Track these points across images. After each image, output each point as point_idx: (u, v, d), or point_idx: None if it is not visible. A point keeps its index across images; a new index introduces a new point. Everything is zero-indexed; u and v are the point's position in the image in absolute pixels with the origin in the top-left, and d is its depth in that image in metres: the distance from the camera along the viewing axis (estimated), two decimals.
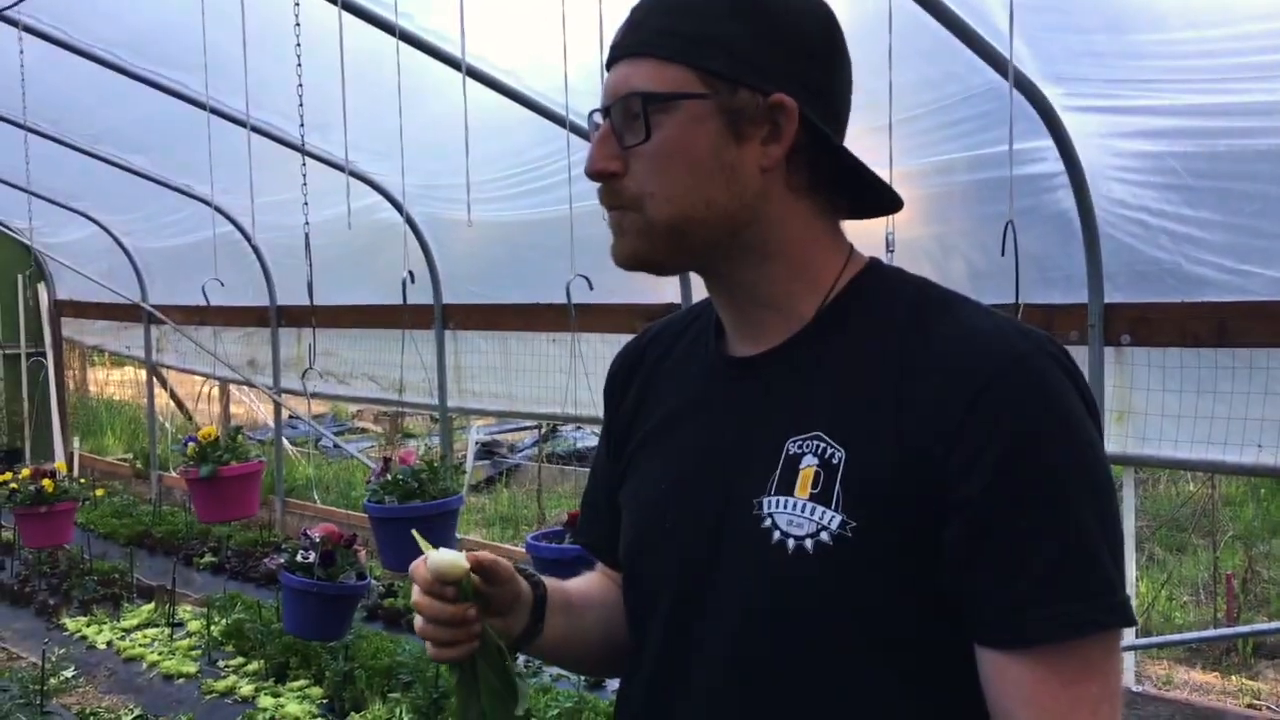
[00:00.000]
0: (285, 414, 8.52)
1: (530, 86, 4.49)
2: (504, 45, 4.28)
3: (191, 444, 4.28)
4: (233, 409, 10.62)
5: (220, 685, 5.05)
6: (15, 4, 4.75)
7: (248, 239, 7.07)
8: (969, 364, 1.05)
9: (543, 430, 10.65)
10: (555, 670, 4.58)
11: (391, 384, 6.71)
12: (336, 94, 3.81)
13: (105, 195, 7.58)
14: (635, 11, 1.16)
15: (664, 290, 4.96)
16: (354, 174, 4.90)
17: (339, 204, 4.59)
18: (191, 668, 5.30)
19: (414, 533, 1.21)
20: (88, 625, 6.01)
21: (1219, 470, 4.38)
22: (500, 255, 5.94)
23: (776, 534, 1.09)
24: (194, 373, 8.93)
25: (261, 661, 5.22)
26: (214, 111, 4.51)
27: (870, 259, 1.20)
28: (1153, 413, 3.69)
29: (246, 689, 4.98)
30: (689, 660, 1.16)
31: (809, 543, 1.07)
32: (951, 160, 3.94)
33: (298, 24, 3.43)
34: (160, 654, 5.50)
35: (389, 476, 3.48)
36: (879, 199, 1.19)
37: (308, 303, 4.10)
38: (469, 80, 3.81)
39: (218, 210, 6.51)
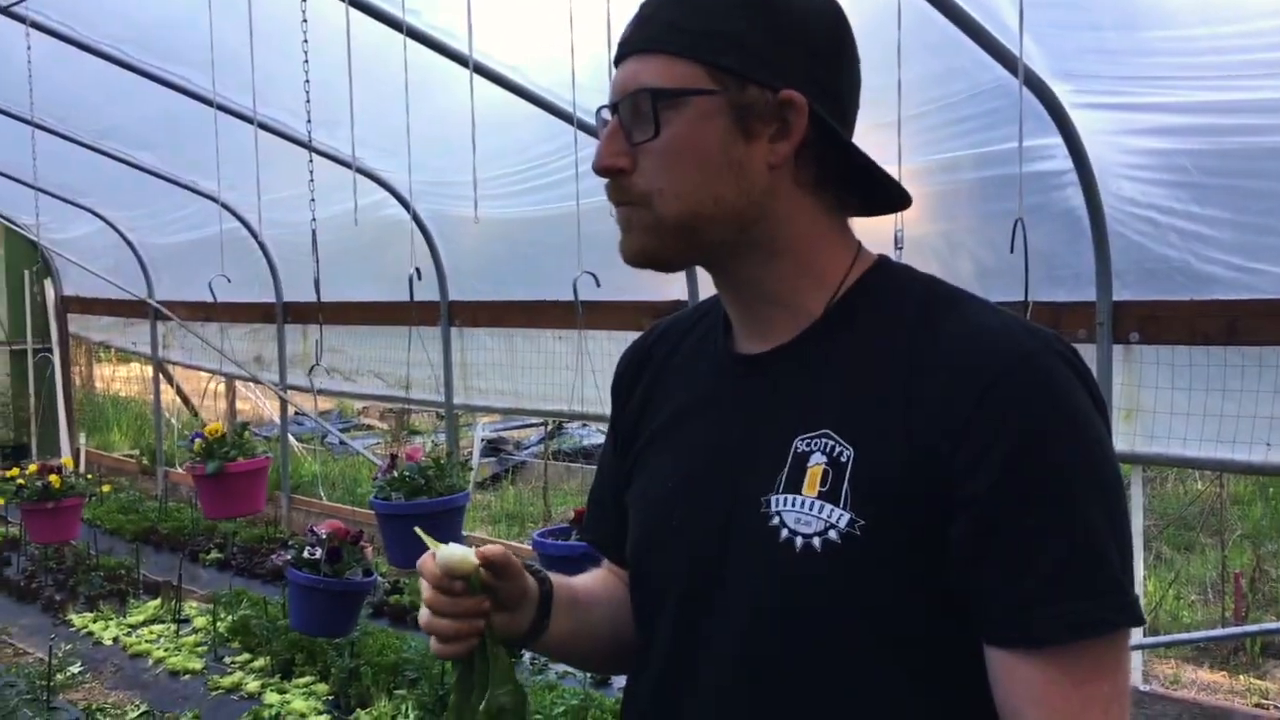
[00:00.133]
0: (291, 410, 8.53)
1: (536, 82, 4.49)
2: (510, 41, 4.28)
3: (198, 440, 4.29)
4: (239, 405, 10.64)
5: (226, 681, 5.06)
6: (20, 0, 4.75)
7: (254, 235, 7.08)
8: (976, 361, 1.05)
9: (548, 427, 10.66)
10: (561, 667, 4.58)
11: (397, 381, 6.71)
12: (343, 90, 3.81)
13: (112, 191, 7.59)
14: (644, 7, 1.16)
15: (670, 287, 4.95)
16: (361, 170, 4.90)
17: (345, 200, 4.59)
18: (197, 664, 5.31)
19: (417, 530, 1.21)
20: (94, 621, 6.01)
21: (1228, 469, 4.36)
22: (506, 252, 5.93)
23: (784, 532, 1.08)
24: (200, 369, 8.94)
25: (267, 658, 5.22)
26: (221, 108, 4.51)
27: (879, 256, 1.20)
28: (1161, 411, 3.68)
29: (252, 685, 4.98)
30: (697, 658, 1.16)
31: (817, 541, 1.06)
32: (959, 157, 3.93)
33: (305, 20, 3.43)
34: (166, 650, 5.51)
35: (396, 473, 3.48)
36: (888, 196, 1.18)
37: (314, 299, 4.11)
38: (475, 76, 3.80)
39: (224, 207, 6.51)
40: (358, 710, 4.59)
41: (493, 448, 11.01)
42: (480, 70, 3.96)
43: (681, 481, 1.20)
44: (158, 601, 6.23)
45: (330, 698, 4.78)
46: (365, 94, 3.97)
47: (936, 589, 1.04)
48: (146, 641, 5.67)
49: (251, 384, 9.86)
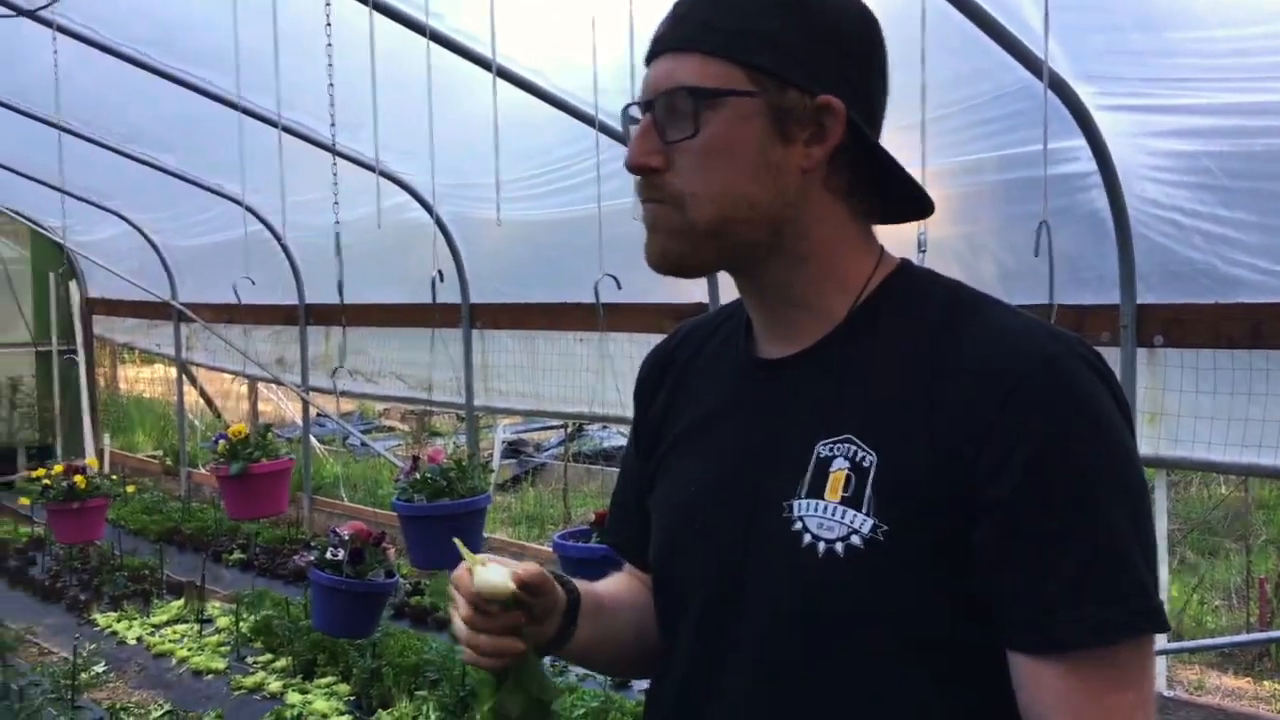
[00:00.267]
0: (313, 412, 8.57)
1: (558, 85, 4.50)
2: (531, 44, 4.29)
3: (222, 441, 4.31)
4: (261, 406, 10.70)
5: (249, 681, 5.09)
6: (48, 4, 4.79)
7: (277, 238, 7.12)
8: (999, 365, 1.04)
9: (568, 429, 10.67)
10: (581, 670, 4.58)
11: (419, 383, 6.74)
12: (364, 93, 3.82)
13: (136, 194, 7.65)
14: (678, 5, 1.15)
15: (692, 290, 4.96)
16: (384, 174, 4.92)
17: (367, 203, 4.62)
18: (220, 664, 5.34)
19: (456, 542, 1.21)
20: (118, 621, 6.06)
21: (1253, 473, 4.33)
22: (527, 254, 5.95)
23: (807, 537, 1.08)
24: (224, 370, 8.99)
25: (289, 658, 5.25)
26: (246, 112, 4.53)
27: (901, 260, 1.19)
28: (1185, 414, 3.65)
29: (275, 685, 5.01)
30: (720, 662, 1.16)
31: (840, 546, 1.06)
32: (981, 160, 3.92)
33: (329, 24, 3.45)
34: (189, 650, 5.55)
35: (418, 475, 3.49)
36: (912, 202, 1.18)
37: (336, 301, 4.12)
38: (492, 78, 3.81)
39: (248, 210, 6.54)
40: (379, 711, 4.61)
41: (513, 449, 11.04)
42: (503, 74, 3.97)
43: (704, 486, 1.20)
44: (181, 601, 6.27)
45: (352, 698, 4.80)
46: (387, 97, 3.98)
47: (960, 593, 1.04)
48: (170, 641, 5.71)
49: (273, 385, 9.92)
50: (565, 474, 9.48)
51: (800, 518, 1.09)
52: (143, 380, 13.77)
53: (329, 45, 3.48)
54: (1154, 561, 1.04)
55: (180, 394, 9.59)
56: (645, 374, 1.37)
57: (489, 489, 3.67)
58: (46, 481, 5.21)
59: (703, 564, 1.18)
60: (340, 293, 3.95)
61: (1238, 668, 5.47)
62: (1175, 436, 3.69)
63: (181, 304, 7.58)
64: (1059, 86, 3.41)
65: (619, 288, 4.17)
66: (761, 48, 1.09)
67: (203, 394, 10.93)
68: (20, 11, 4.90)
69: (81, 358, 10.13)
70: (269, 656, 5.36)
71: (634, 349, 4.99)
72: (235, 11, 3.81)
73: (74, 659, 4.91)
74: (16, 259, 10.22)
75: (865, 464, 1.07)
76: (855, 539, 1.05)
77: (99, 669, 5.38)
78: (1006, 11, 3.25)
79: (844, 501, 1.07)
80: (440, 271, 4.23)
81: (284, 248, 7.23)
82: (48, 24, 4.88)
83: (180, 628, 5.91)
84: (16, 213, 7.08)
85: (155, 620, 6.04)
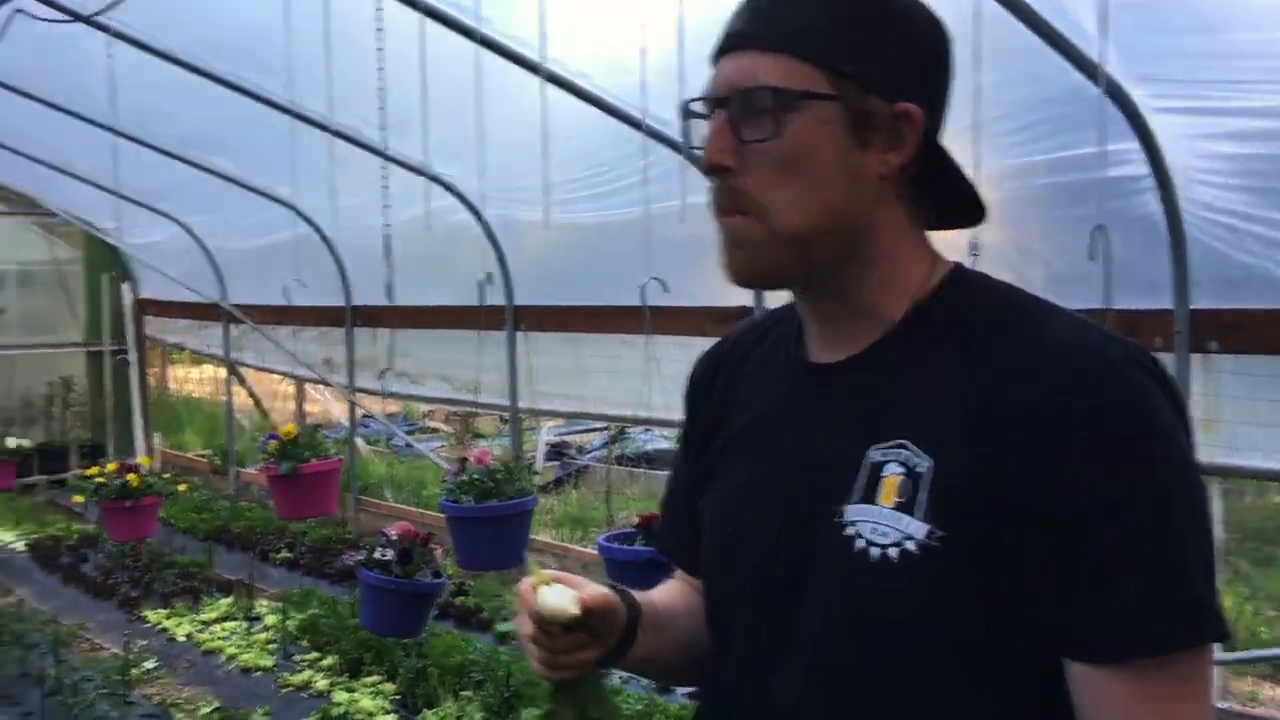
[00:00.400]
0: (358, 413, 8.64)
1: (604, 88, 4.51)
2: (578, 47, 4.30)
3: (273, 441, 4.36)
4: (307, 407, 10.80)
5: (296, 679, 5.14)
6: (105, 10, 4.87)
7: (325, 240, 7.19)
8: (1057, 371, 1.03)
9: (611, 432, 10.69)
10: (625, 673, 4.58)
11: (464, 384, 6.77)
12: (410, 96, 3.85)
13: (187, 196, 7.74)
14: (754, 0, 1.13)
15: (736, 293, 4.94)
16: (433, 177, 4.95)
17: (412, 206, 4.65)
18: (268, 661, 5.40)
19: (528, 559, 1.22)
20: (168, 618, 6.14)
21: None
22: (572, 257, 5.96)
23: (859, 542, 1.08)
24: (272, 371, 9.09)
25: (336, 656, 5.29)
26: (298, 116, 4.58)
27: (955, 264, 1.18)
28: (1240, 421, 3.59)
29: (321, 683, 5.06)
30: (770, 668, 1.15)
31: (893, 552, 1.05)
32: (1031, 163, 3.88)
33: (380, 28, 3.48)
34: (238, 647, 5.61)
35: (465, 476, 3.51)
36: (967, 210, 1.18)
37: (382, 303, 4.16)
38: (539, 81, 3.83)
39: (299, 214, 6.62)
40: (425, 711, 4.64)
41: (555, 451, 11.07)
42: (551, 78, 3.98)
43: (755, 491, 1.20)
44: (230, 599, 6.35)
45: (397, 697, 4.83)
46: (433, 100, 4.01)
47: (1014, 601, 1.03)
48: (219, 638, 5.78)
49: (319, 386, 10.01)
50: (608, 476, 9.49)
51: (853, 523, 1.08)
52: (191, 380, 13.95)
53: (380, 49, 3.51)
54: (1213, 572, 1.03)
55: (229, 394, 9.70)
56: (696, 377, 1.36)
57: (535, 491, 3.69)
58: (101, 480, 5.29)
59: (753, 569, 1.18)
60: (390, 295, 3.98)
61: None
62: (1229, 444, 3.63)
63: (231, 305, 7.68)
64: (1113, 89, 3.37)
65: (665, 290, 4.17)
66: (845, 52, 1.09)
67: (251, 394, 11.06)
68: (77, 17, 4.99)
69: (134, 358, 10.28)
70: (316, 655, 5.41)
71: (678, 352, 4.98)
72: (288, 15, 3.85)
73: (126, 655, 4.98)
74: (71, 260, 10.39)
75: (920, 470, 1.06)
76: (910, 545, 1.05)
77: (149, 665, 5.45)
78: (1060, 14, 3.22)
79: (898, 507, 1.06)
80: (490, 274, 4.25)
81: (332, 250, 7.30)
82: (104, 29, 4.97)
83: (229, 625, 5.98)
84: (76, 216, 7.20)
85: (204, 617, 6.12)
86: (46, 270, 10.36)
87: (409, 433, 11.36)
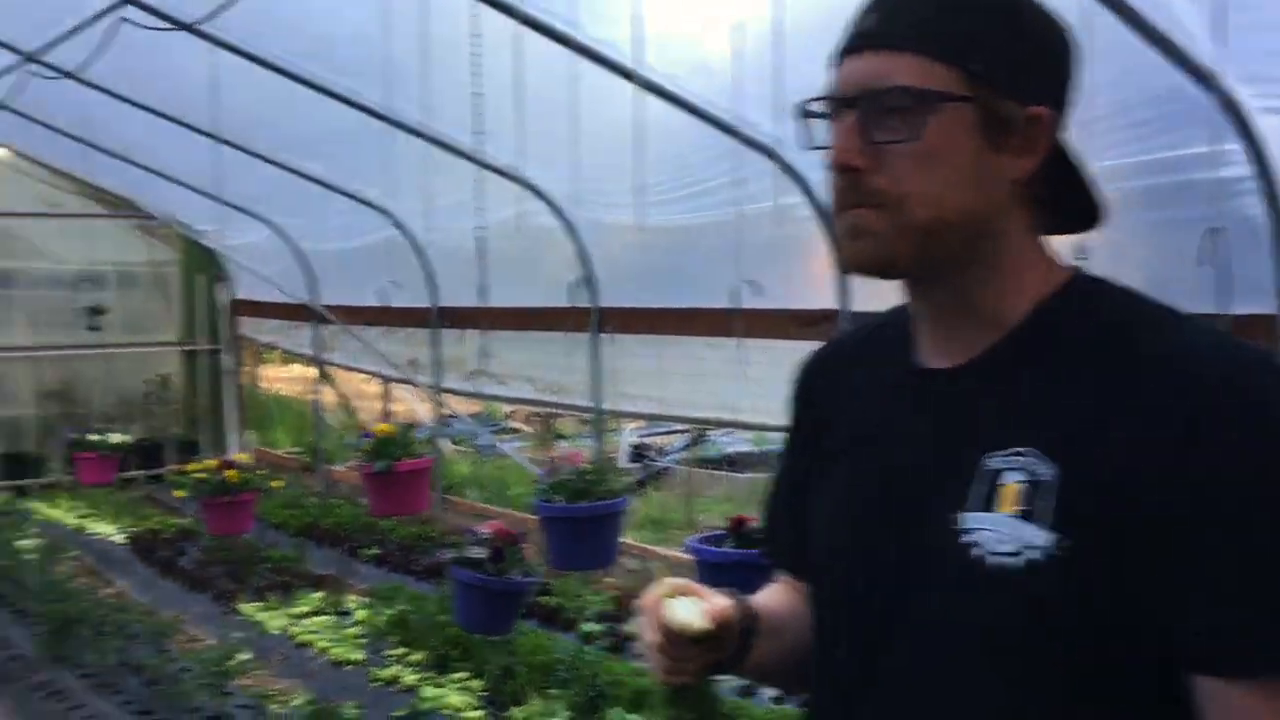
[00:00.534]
0: (444, 412, 8.75)
1: (692, 91, 4.52)
2: (667, 51, 4.32)
3: (368, 440, 4.44)
4: (391, 407, 10.97)
5: (385, 674, 5.22)
6: (207, 19, 5.01)
7: (413, 243, 7.30)
8: (1184, 380, 1.01)
9: (692, 435, 10.70)
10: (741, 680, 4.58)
11: (547, 385, 6.83)
12: (499, 101, 3.89)
13: (281, 199, 7.92)
14: (881, 1, 1.12)
15: (820, 296, 4.93)
16: (522, 181, 5.01)
17: (499, 208, 4.70)
18: (359, 655, 5.50)
19: (662, 576, 1.25)
20: (261, 611, 6.28)
21: None
22: (657, 260, 5.98)
23: (976, 550, 1.06)
24: (361, 371, 9.25)
25: (424, 652, 5.37)
26: (393, 123, 4.67)
27: (1075, 268, 1.17)
28: None
29: (410, 678, 5.13)
30: (878, 675, 1.15)
31: (1014, 560, 1.04)
32: (1128, 164, 3.82)
33: (477, 34, 3.53)
34: (329, 641, 5.72)
35: (558, 477, 3.56)
36: (1084, 214, 1.17)
37: (468, 304, 4.21)
38: (632, 86, 3.86)
39: (390, 218, 6.73)
40: (512, 708, 4.69)
41: (637, 453, 11.11)
42: (648, 85, 4.01)
43: (866, 497, 1.19)
44: (321, 594, 6.47)
45: (484, 694, 4.88)
46: (521, 104, 4.06)
47: (1136, 613, 1.02)
48: (310, 632, 5.89)
49: (404, 386, 10.17)
50: (690, 479, 9.50)
51: (970, 530, 1.07)
52: (282, 379, 14.24)
53: (475, 54, 3.57)
54: None
55: (319, 393, 9.89)
56: (801, 381, 1.35)
57: (625, 492, 3.71)
58: (201, 475, 5.43)
59: (864, 575, 1.17)
60: (482, 297, 4.04)
61: None
62: None
63: (322, 306, 7.85)
64: (1217, 89, 3.31)
65: (759, 293, 4.18)
66: (979, 54, 1.08)
67: (339, 393, 11.27)
68: (180, 25, 5.14)
69: (228, 357, 10.54)
70: (404, 650, 5.49)
71: (761, 355, 4.97)
72: (385, 21, 3.93)
73: (223, 647, 5.10)
74: (168, 261, 10.68)
75: (1041, 477, 1.04)
76: (1032, 553, 1.03)
77: (244, 657, 5.58)
78: (1166, 14, 3.17)
79: (1020, 515, 1.05)
80: (581, 276, 4.29)
81: (419, 252, 7.41)
82: (206, 37, 5.11)
83: (320, 619, 6.08)
84: (175, 219, 7.40)
85: (296, 611, 6.24)
86: (145, 271, 10.66)
87: (492, 433, 11.48)
